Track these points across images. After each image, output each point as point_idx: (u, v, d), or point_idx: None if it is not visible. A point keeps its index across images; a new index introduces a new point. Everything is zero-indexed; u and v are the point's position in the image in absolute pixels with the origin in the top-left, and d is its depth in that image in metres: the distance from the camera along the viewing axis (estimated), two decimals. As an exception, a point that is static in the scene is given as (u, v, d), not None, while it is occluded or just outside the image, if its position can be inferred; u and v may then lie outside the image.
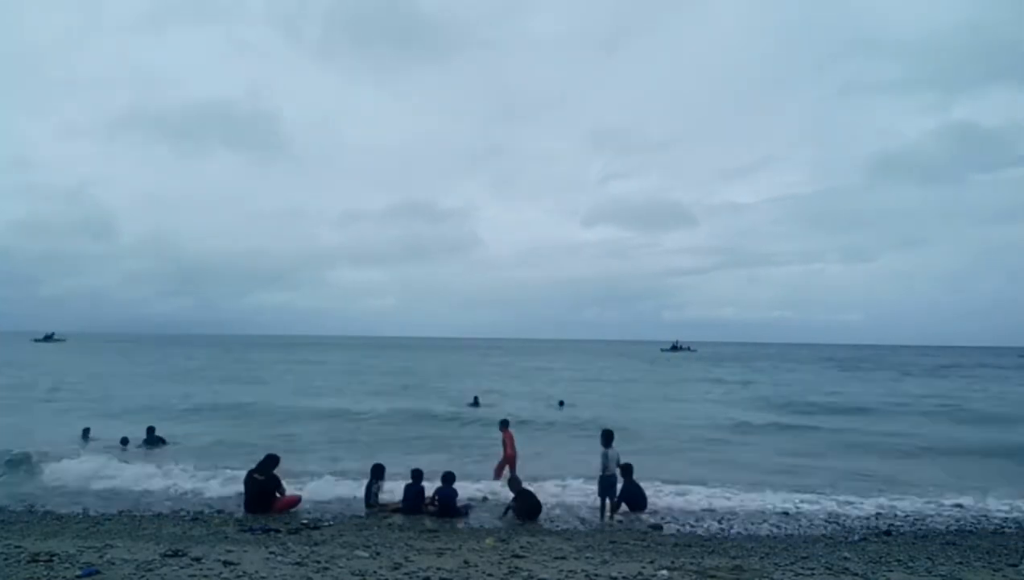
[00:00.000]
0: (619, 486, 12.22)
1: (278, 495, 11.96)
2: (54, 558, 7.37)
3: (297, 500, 12.23)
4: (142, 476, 14.42)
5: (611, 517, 11.81)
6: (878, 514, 12.40)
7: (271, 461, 12.19)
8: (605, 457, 11.81)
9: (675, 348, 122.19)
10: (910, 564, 8.55)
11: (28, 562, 7.22)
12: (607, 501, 11.92)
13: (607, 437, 12.00)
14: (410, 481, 12.43)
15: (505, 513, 12.02)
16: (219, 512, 11.82)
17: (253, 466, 12.23)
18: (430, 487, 12.34)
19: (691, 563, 8.23)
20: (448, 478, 12.37)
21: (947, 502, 13.27)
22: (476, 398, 32.49)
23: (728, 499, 13.30)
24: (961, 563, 8.67)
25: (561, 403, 32.35)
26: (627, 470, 12.84)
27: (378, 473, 12.91)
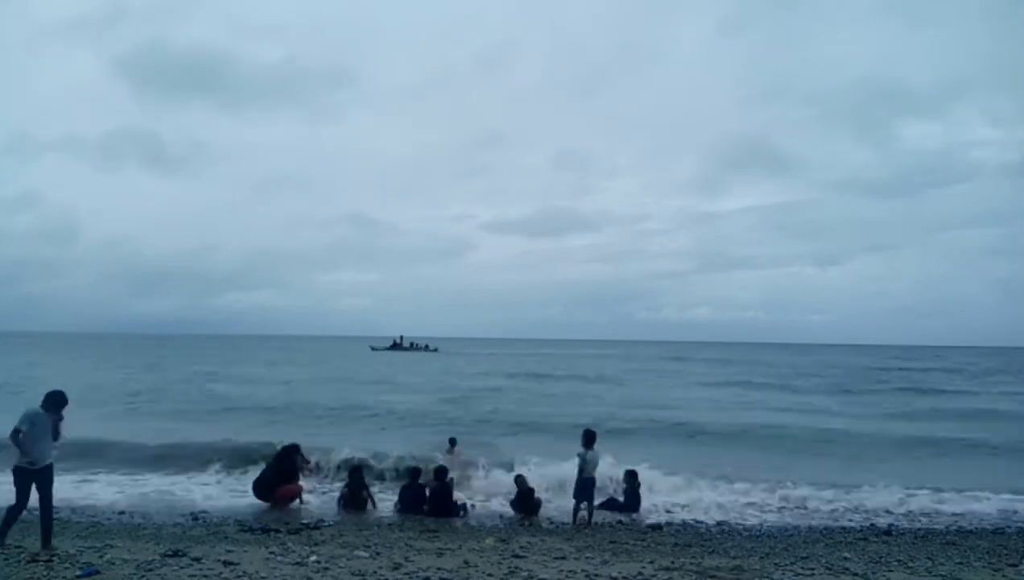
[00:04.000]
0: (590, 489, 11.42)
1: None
2: (54, 558, 7.36)
3: (298, 492, 12.28)
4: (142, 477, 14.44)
5: (587, 523, 11.20)
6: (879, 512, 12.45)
7: (293, 451, 12.73)
8: (583, 459, 11.16)
9: (396, 346, 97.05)
10: (910, 564, 8.55)
11: (28, 562, 7.22)
12: (583, 505, 11.29)
13: (587, 438, 11.32)
14: (407, 481, 12.44)
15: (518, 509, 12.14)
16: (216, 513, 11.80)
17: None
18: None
19: (691, 563, 8.22)
20: (441, 473, 12.33)
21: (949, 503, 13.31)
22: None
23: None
24: (961, 563, 8.67)
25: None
26: (632, 476, 12.83)
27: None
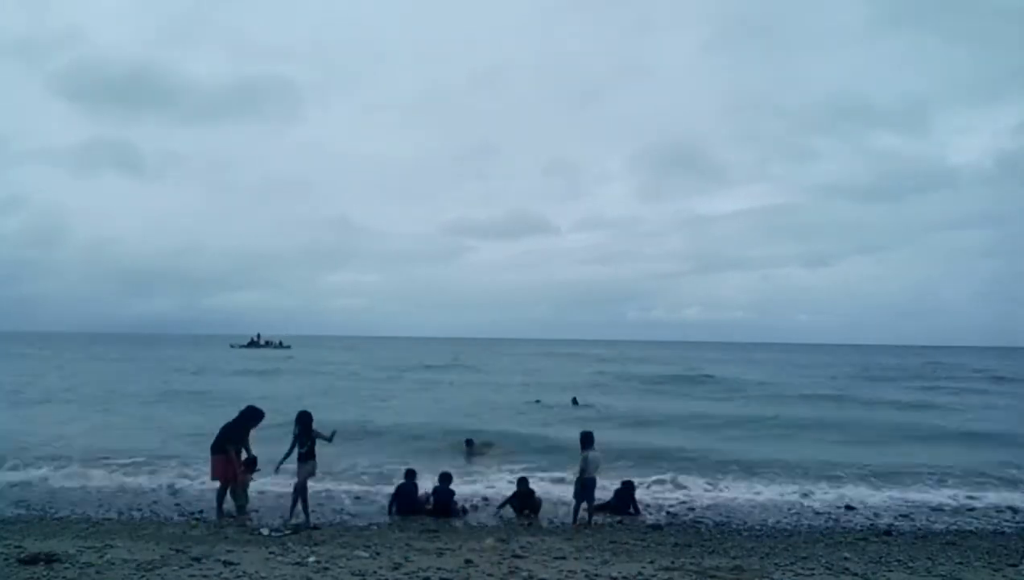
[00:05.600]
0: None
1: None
2: (54, 558, 7.36)
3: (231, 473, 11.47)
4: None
5: (588, 523, 11.32)
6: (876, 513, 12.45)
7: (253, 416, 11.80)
8: (585, 460, 11.28)
9: (253, 343, 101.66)
10: (910, 564, 8.55)
11: (28, 562, 7.21)
12: (583, 505, 11.42)
13: (585, 439, 11.50)
14: (402, 481, 12.44)
15: (502, 506, 12.18)
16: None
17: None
18: (425, 487, 12.37)
19: (691, 563, 8.23)
20: (445, 478, 12.38)
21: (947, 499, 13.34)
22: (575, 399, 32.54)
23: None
24: (961, 563, 8.68)
25: (575, 401, 32.06)
26: (628, 485, 12.78)
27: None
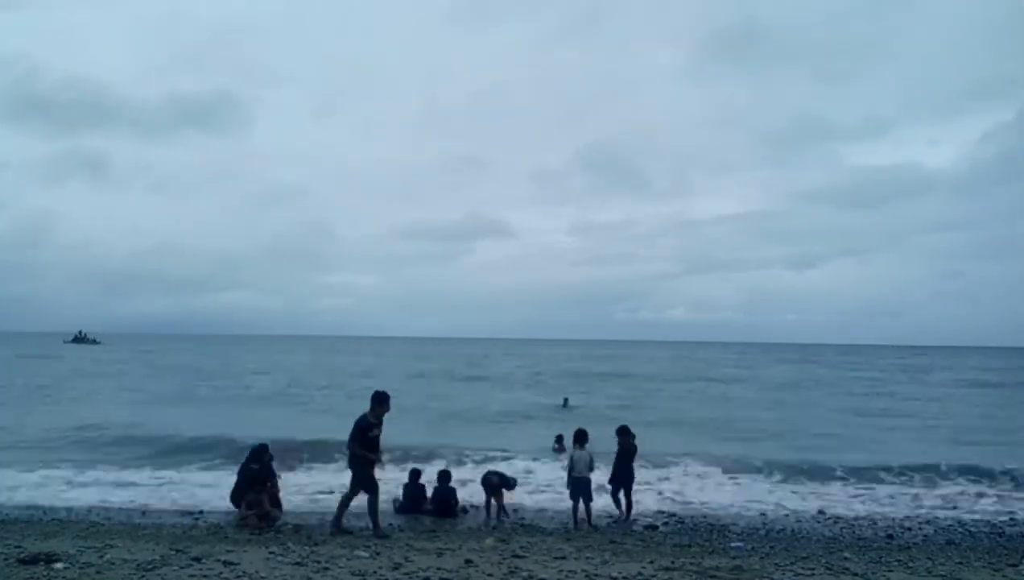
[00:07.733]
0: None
1: (269, 485, 11.35)
2: (54, 558, 7.36)
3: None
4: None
5: (587, 522, 11.27)
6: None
7: (263, 450, 11.75)
8: (570, 459, 11.42)
9: (76, 339, 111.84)
10: (910, 564, 8.56)
11: (28, 562, 7.21)
12: (580, 504, 11.35)
13: (577, 437, 11.56)
14: (407, 481, 12.44)
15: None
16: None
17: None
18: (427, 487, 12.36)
19: (691, 563, 8.22)
20: (444, 477, 12.36)
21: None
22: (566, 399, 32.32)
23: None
24: (961, 563, 8.68)
25: (566, 401, 31.91)
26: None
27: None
